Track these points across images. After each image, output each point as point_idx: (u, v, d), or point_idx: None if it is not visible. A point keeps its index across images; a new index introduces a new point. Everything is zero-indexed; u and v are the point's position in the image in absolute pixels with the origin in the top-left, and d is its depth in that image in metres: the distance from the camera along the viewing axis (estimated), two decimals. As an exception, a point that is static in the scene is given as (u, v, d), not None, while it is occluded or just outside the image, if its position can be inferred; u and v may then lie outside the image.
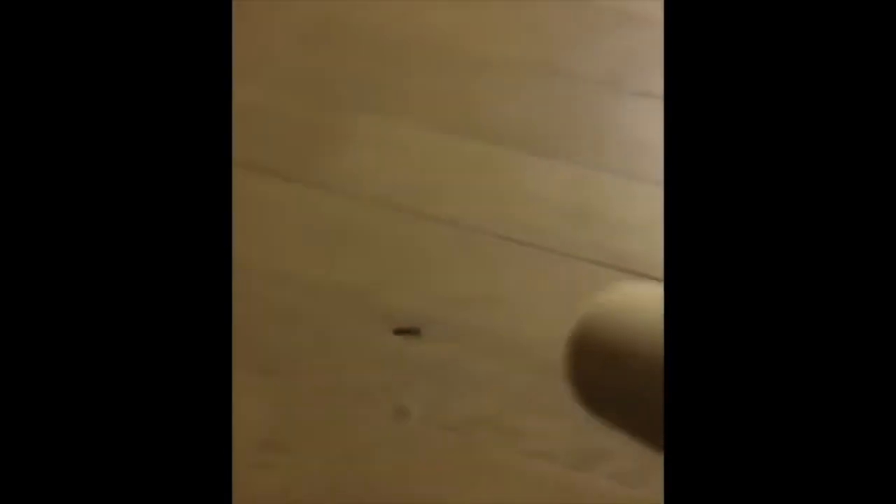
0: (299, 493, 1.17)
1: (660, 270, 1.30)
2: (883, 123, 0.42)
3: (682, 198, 0.43)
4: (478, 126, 1.42)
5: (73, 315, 0.47)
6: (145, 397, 0.47)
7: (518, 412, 1.20)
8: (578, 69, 1.48)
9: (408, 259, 1.33)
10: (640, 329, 0.50)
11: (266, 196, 1.37)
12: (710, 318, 0.42)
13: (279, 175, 1.39)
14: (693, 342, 0.42)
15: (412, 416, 1.21)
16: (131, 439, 0.47)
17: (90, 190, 0.47)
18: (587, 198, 1.37)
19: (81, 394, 0.47)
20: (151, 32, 0.48)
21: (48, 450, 0.46)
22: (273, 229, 1.35)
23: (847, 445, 0.40)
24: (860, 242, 0.42)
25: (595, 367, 0.52)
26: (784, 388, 0.41)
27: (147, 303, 0.48)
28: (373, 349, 1.25)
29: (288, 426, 1.20)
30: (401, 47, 1.51)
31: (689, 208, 0.43)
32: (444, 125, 1.42)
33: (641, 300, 0.53)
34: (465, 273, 1.32)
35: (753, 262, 0.42)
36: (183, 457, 0.47)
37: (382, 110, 1.43)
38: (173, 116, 0.48)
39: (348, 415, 1.21)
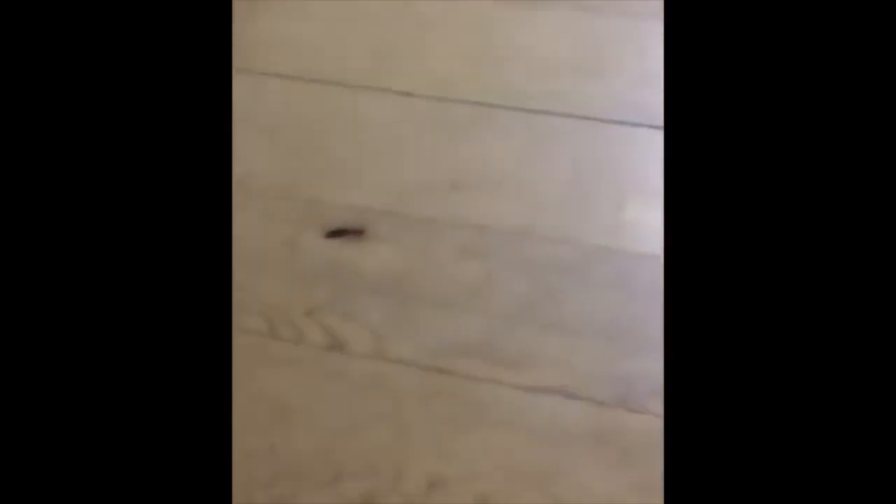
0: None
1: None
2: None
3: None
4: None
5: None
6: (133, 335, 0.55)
7: (509, 334, 1.02)
8: None
9: (346, 141, 1.18)
10: None
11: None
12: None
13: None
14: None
15: (353, 350, 1.03)
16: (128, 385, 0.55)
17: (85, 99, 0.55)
18: (588, 44, 1.23)
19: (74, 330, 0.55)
20: None
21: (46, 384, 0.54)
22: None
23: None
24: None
25: None
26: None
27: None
28: (296, 259, 1.09)
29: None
30: None
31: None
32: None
33: None
34: (426, 152, 1.16)
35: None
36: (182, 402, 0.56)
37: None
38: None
39: (264, 354, 1.04)
